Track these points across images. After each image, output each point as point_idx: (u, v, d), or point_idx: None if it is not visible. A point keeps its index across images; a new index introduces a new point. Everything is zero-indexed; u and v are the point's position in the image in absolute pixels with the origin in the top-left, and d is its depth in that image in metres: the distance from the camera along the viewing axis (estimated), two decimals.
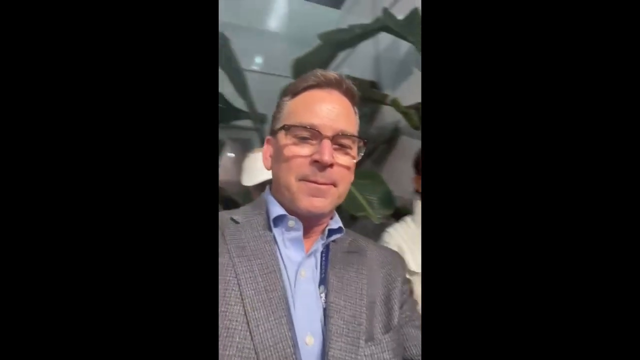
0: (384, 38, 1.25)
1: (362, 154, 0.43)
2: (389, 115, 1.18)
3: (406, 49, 1.21)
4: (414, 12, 1.02)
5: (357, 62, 1.50)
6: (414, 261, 0.70)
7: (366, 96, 1.11)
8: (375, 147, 1.28)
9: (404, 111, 1.05)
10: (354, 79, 0.46)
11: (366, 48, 1.39)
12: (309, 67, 0.46)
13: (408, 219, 0.79)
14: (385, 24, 1.03)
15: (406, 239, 0.75)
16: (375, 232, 0.82)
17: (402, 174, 1.00)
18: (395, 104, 1.08)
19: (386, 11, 1.10)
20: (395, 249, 0.62)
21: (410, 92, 1.17)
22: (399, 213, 0.89)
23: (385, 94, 1.18)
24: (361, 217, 0.92)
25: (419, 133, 1.09)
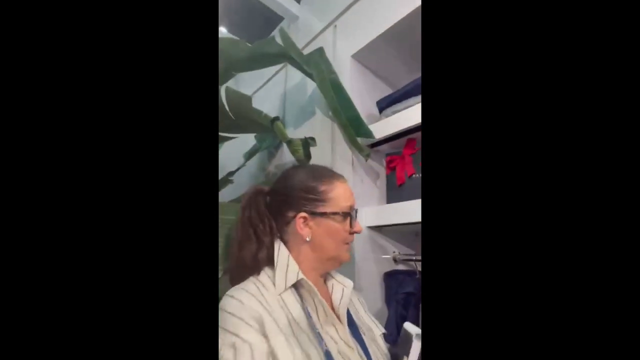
0: (294, 76, 1.29)
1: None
2: (289, 154, 1.04)
3: (312, 89, 1.21)
4: (320, 50, 1.04)
5: (267, 98, 1.50)
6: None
7: (244, 115, 0.96)
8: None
9: (287, 139, 0.94)
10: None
11: (277, 85, 1.43)
12: None
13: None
14: (287, 52, 0.97)
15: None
16: None
17: None
18: (278, 128, 0.95)
19: (285, 35, 0.98)
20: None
21: (310, 132, 1.12)
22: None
23: (267, 115, 1.00)
24: None
25: None
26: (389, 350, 0.61)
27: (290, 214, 0.58)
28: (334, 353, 0.48)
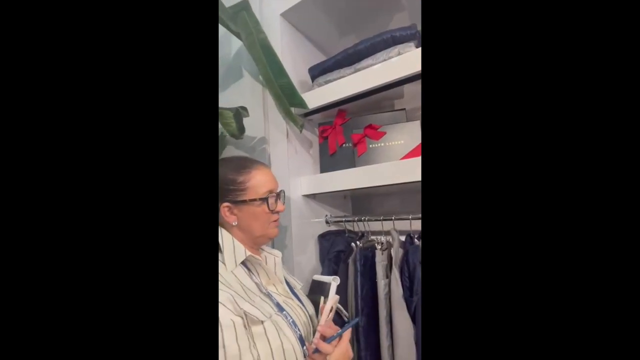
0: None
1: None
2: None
3: (238, 46, 1.10)
4: (245, 3, 0.91)
5: None
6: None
7: None
8: None
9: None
10: None
11: None
12: None
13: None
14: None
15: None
16: None
17: None
18: None
19: None
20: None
21: (239, 97, 1.05)
22: None
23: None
24: None
25: (242, 142, 1.02)
26: (308, 296, 0.79)
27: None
28: (281, 303, 0.64)
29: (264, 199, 0.67)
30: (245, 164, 0.70)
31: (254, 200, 0.66)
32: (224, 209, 0.67)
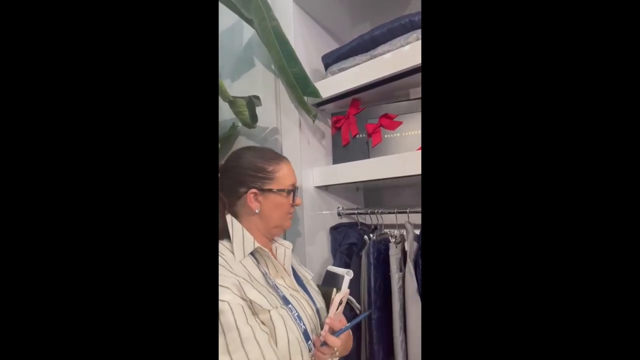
0: (225, 18, 1.10)
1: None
2: (227, 111, 0.94)
3: (249, 36, 1.07)
4: None
5: None
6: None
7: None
8: None
9: (229, 98, 0.84)
10: None
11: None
12: None
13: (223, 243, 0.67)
14: None
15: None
16: None
17: None
18: (221, 90, 0.82)
19: None
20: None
21: (252, 87, 1.03)
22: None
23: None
24: None
25: (254, 132, 1.00)
26: (319, 288, 0.79)
27: (242, 190, 0.68)
28: (287, 296, 0.64)
29: (291, 191, 0.71)
30: (274, 155, 0.73)
31: (282, 190, 0.69)
32: (250, 195, 0.68)
